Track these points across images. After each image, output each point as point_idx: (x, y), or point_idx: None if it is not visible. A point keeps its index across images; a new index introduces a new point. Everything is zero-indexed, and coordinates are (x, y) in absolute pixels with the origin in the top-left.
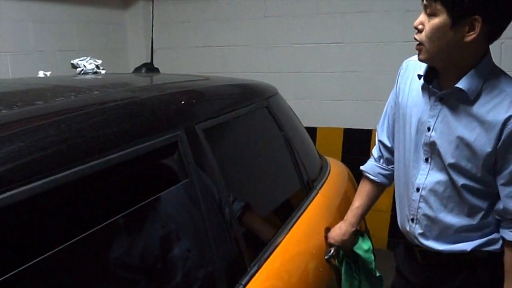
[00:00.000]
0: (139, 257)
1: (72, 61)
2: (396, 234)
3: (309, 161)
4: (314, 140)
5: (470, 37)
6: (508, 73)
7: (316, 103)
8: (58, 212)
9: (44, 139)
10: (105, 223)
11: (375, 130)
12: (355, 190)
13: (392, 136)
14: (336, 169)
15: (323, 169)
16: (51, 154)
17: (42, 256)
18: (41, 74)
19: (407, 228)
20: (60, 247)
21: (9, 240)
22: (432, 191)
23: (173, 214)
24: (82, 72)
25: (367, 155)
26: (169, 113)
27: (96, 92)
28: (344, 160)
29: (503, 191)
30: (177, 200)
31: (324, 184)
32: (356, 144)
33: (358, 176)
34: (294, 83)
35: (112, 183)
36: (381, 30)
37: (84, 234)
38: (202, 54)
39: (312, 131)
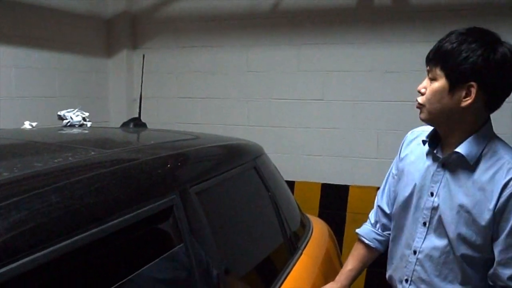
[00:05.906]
0: None
1: (58, 113)
2: (372, 286)
3: (293, 220)
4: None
5: (466, 102)
6: None
7: (295, 157)
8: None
9: (48, 207)
10: None
11: (353, 186)
12: (336, 248)
13: (392, 202)
14: (318, 227)
15: (306, 227)
16: (54, 222)
17: None
18: (27, 125)
19: None
20: None
21: None
22: (428, 255)
23: (168, 280)
24: (69, 124)
25: (344, 210)
26: (165, 177)
27: (92, 153)
28: (321, 214)
29: (496, 257)
30: (171, 265)
31: (308, 244)
32: (333, 199)
33: (335, 231)
34: (273, 137)
35: (112, 250)
36: (361, 89)
37: None
38: (184, 105)
39: (290, 184)
